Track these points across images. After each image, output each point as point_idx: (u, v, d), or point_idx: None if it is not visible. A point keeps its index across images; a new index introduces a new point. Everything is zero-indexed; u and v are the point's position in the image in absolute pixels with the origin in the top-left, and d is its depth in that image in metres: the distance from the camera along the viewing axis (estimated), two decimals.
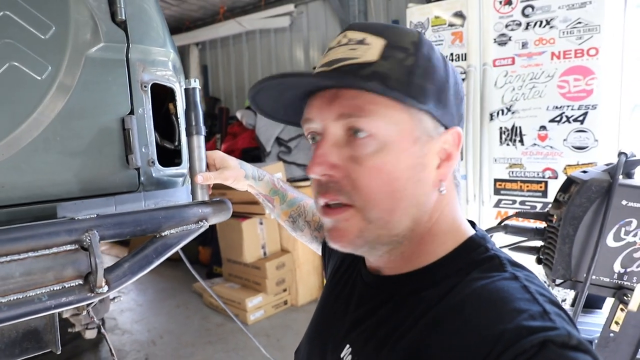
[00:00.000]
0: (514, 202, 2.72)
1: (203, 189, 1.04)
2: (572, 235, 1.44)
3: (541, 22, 2.53)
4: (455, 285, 0.53)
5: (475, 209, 2.81)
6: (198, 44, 5.87)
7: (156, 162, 1.21)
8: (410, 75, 0.53)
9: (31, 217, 1.03)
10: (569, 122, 2.50)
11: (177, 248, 1.10)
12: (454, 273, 0.55)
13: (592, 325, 1.47)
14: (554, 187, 2.54)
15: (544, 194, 2.62)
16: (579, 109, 2.47)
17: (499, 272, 0.53)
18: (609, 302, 1.44)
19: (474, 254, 0.56)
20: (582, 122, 2.47)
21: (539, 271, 1.25)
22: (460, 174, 0.60)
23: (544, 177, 2.62)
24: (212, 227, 1.01)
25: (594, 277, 1.40)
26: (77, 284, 0.95)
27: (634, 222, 1.36)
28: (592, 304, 1.64)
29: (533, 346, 0.42)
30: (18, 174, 1.01)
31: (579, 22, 2.42)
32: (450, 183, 0.59)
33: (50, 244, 0.91)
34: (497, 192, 2.77)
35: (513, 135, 2.68)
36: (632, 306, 1.36)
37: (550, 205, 1.58)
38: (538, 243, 1.59)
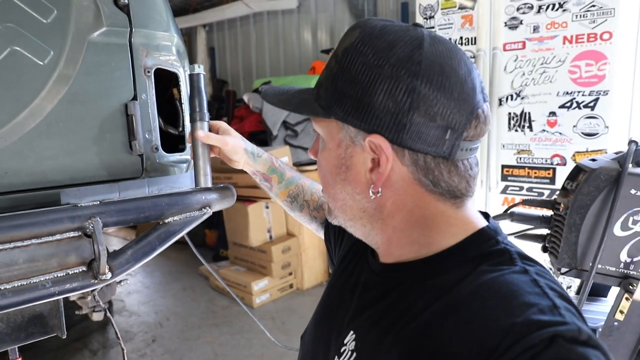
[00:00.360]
0: (521, 188, 2.70)
1: (207, 176, 1.04)
2: (579, 224, 1.43)
3: (554, 5, 2.46)
4: (464, 277, 0.53)
5: (482, 195, 2.79)
6: (205, 26, 5.82)
7: (160, 148, 1.21)
8: (333, 82, 0.57)
9: (34, 204, 1.03)
10: (579, 108, 2.45)
11: (181, 235, 1.10)
12: (462, 264, 0.54)
13: (596, 313, 1.47)
14: (562, 174, 2.51)
15: (552, 180, 2.59)
16: (590, 94, 2.42)
17: (509, 266, 0.52)
18: (614, 290, 1.44)
19: (484, 246, 0.56)
20: (592, 108, 2.42)
21: (545, 259, 1.24)
22: (451, 174, 0.56)
23: (552, 164, 2.59)
24: (219, 211, 1.02)
25: (599, 266, 1.39)
26: (80, 270, 0.95)
27: None
28: (597, 292, 1.63)
29: (542, 340, 0.42)
30: (21, 160, 1.01)
31: (593, 5, 2.35)
32: (409, 184, 0.56)
33: (54, 231, 0.92)
34: (504, 178, 2.74)
35: (522, 121, 2.64)
36: (638, 295, 1.35)
37: (557, 193, 1.56)
38: (544, 231, 1.58)
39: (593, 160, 1.50)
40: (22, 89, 1.00)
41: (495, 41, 2.65)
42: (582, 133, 2.47)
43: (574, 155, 2.50)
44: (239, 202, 3.34)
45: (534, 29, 2.54)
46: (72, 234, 0.94)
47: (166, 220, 1.08)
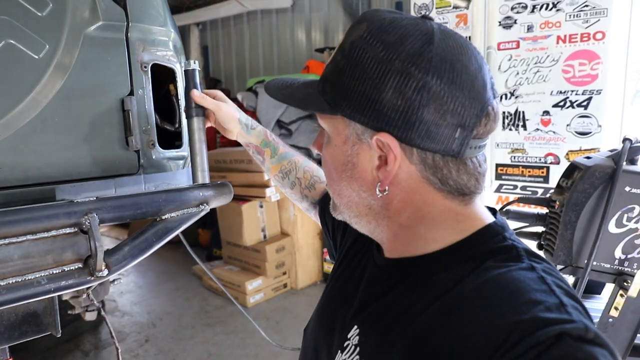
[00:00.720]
0: (515, 187, 2.71)
1: (204, 172, 1.03)
2: (574, 221, 1.44)
3: (547, 5, 2.48)
4: (470, 273, 0.52)
5: None
6: (198, 24, 5.79)
7: (156, 144, 1.20)
8: (340, 77, 0.56)
9: (29, 200, 1.02)
10: (573, 107, 2.47)
11: (178, 231, 1.09)
12: (468, 260, 0.54)
13: (591, 310, 1.47)
14: (555, 173, 2.53)
15: (546, 179, 2.61)
16: (583, 94, 2.44)
17: (516, 262, 0.52)
18: (609, 287, 1.45)
19: (490, 242, 0.55)
20: (586, 107, 2.44)
21: None
22: (458, 172, 0.55)
23: (546, 163, 2.60)
24: (212, 210, 1.02)
25: (594, 263, 1.40)
26: (76, 267, 0.94)
27: (637, 209, 1.36)
28: (592, 289, 1.65)
29: (549, 338, 0.42)
30: (16, 155, 0.99)
31: (586, 5, 2.37)
32: (417, 182, 0.55)
33: (49, 227, 0.90)
34: (498, 177, 2.76)
35: (516, 120, 2.66)
36: (632, 292, 1.37)
37: (552, 191, 1.57)
38: (539, 229, 1.59)
39: (588, 158, 1.51)
40: (17, 83, 0.98)
41: (490, 40, 2.67)
42: (576, 132, 2.49)
43: (567, 154, 2.52)
44: (233, 201, 3.31)
45: (528, 29, 2.56)
46: (68, 230, 0.93)
47: (163, 217, 1.06)
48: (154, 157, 1.20)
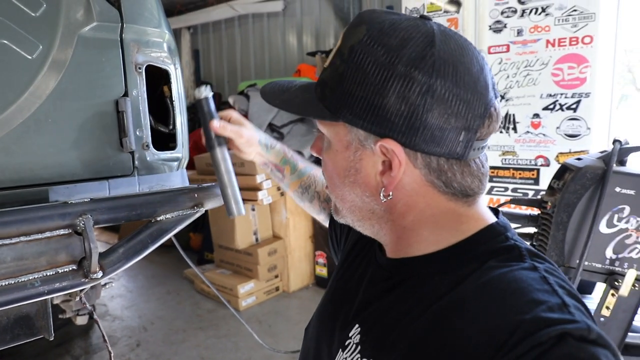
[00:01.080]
0: (506, 189, 2.74)
1: (238, 204, 0.94)
2: (566, 221, 1.46)
3: (537, 9, 2.52)
4: (472, 272, 0.52)
5: None
6: (190, 28, 5.77)
7: (151, 146, 1.19)
8: (340, 83, 0.54)
9: (22, 201, 1.00)
10: (562, 110, 2.51)
11: (173, 233, 1.08)
12: (471, 259, 0.54)
13: None
14: (546, 175, 2.56)
15: (536, 181, 2.64)
16: (572, 97, 2.48)
17: (518, 262, 0.52)
18: (599, 287, 1.47)
19: (493, 242, 0.55)
20: (575, 110, 2.48)
21: None
22: (463, 175, 0.55)
23: (536, 165, 2.63)
24: (204, 213, 1.01)
25: (586, 263, 1.42)
26: (70, 269, 0.93)
27: (627, 209, 1.38)
28: (583, 289, 1.67)
29: (550, 338, 0.41)
30: (8, 156, 0.98)
31: (575, 10, 2.41)
32: (421, 186, 0.55)
33: (43, 228, 0.89)
34: (489, 179, 2.78)
35: (506, 122, 2.69)
36: (623, 291, 1.39)
37: (544, 192, 1.59)
38: (532, 230, 1.61)
39: (579, 159, 1.53)
40: (10, 84, 0.97)
41: (480, 44, 2.70)
42: (565, 134, 2.52)
43: (557, 156, 2.55)
44: None
45: (518, 33, 2.59)
46: (62, 232, 0.92)
47: (158, 219, 1.06)
48: (148, 158, 1.19)
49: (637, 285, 1.38)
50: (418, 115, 0.50)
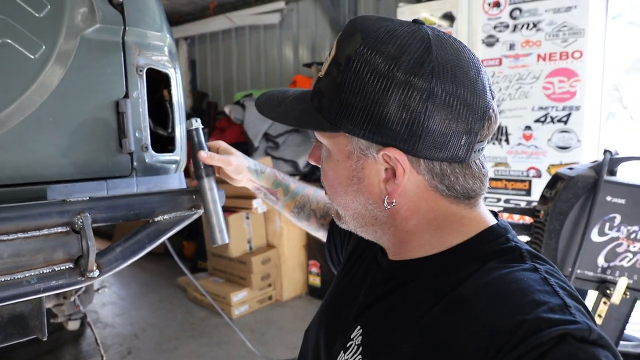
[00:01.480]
0: (499, 200, 2.77)
1: (222, 232, 0.96)
2: (559, 230, 1.48)
3: (528, 24, 2.58)
4: (473, 273, 0.52)
5: None
6: (187, 39, 5.81)
7: (149, 148, 1.20)
8: (338, 93, 0.54)
9: (20, 199, 1.01)
10: (553, 123, 2.56)
11: (170, 234, 1.08)
12: (471, 261, 0.54)
13: None
14: (537, 186, 2.60)
15: (528, 192, 2.67)
16: (563, 109, 2.53)
17: (519, 263, 0.52)
18: (591, 295, 1.48)
19: (493, 243, 0.55)
20: (565, 122, 2.52)
21: None
22: (465, 177, 0.56)
23: (528, 176, 2.67)
24: (198, 221, 1.00)
25: (578, 271, 1.44)
26: (67, 267, 0.93)
27: (618, 218, 1.41)
28: None
29: (551, 339, 0.42)
30: (8, 153, 0.99)
31: (565, 26, 2.48)
32: (424, 191, 0.56)
33: (41, 225, 0.89)
34: None
35: (499, 134, 2.73)
36: (615, 299, 1.40)
37: (536, 202, 1.62)
38: (524, 238, 1.62)
39: (570, 169, 1.56)
40: (12, 82, 0.98)
41: None
42: (556, 146, 2.57)
43: (549, 168, 2.59)
44: None
45: (510, 47, 2.65)
46: (59, 229, 0.92)
47: (156, 219, 1.06)
48: (146, 160, 1.20)
49: (628, 293, 1.40)
50: (420, 123, 0.50)
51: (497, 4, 2.66)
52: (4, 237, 0.85)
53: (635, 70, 3.81)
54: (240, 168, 0.96)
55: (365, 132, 0.53)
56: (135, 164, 1.17)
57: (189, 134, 0.94)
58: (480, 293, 0.50)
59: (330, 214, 0.99)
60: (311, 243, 3.71)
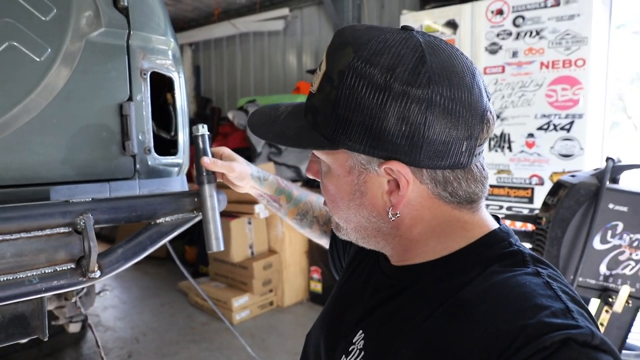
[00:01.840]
0: (501, 207, 2.76)
1: (218, 240, 0.98)
2: (561, 237, 1.47)
3: (531, 32, 2.59)
4: (475, 277, 0.52)
5: None
6: (191, 45, 5.86)
7: (152, 150, 1.21)
8: (333, 109, 0.53)
9: (23, 200, 1.01)
10: (556, 130, 2.55)
11: (172, 236, 1.09)
12: (474, 265, 0.54)
13: None
14: (540, 194, 2.59)
15: (531, 200, 2.67)
16: (566, 117, 2.53)
17: (521, 267, 0.52)
18: (593, 304, 1.47)
19: (496, 247, 0.55)
20: (568, 130, 2.52)
21: None
22: (466, 181, 0.56)
23: (530, 184, 2.67)
24: (199, 226, 1.00)
25: (580, 279, 1.43)
26: (69, 267, 0.93)
27: (620, 226, 1.40)
28: None
29: (554, 343, 0.42)
30: (12, 154, 1.00)
31: (568, 34, 2.48)
32: (427, 200, 0.55)
33: (44, 226, 0.90)
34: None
35: (502, 142, 2.73)
36: (617, 308, 1.39)
37: (539, 209, 1.61)
38: (526, 246, 1.62)
39: (573, 176, 1.56)
40: (18, 84, 0.99)
41: (476, 65, 2.76)
42: (559, 154, 2.56)
43: (551, 176, 2.59)
44: (222, 217, 3.30)
45: (513, 54, 2.66)
46: (62, 230, 0.92)
47: (157, 221, 1.07)
48: (149, 162, 1.21)
49: (630, 301, 1.39)
50: (420, 134, 0.49)
51: (500, 12, 2.67)
52: (7, 237, 0.86)
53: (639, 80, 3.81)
54: (243, 175, 0.96)
55: (365, 147, 0.52)
56: (138, 166, 1.18)
57: (195, 139, 0.94)
58: (482, 297, 0.50)
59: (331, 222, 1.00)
60: (313, 249, 3.71)
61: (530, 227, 1.66)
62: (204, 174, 0.95)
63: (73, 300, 1.36)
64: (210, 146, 0.96)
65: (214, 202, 0.98)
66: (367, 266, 0.71)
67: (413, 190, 0.54)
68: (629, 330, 1.41)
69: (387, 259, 0.65)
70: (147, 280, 4.16)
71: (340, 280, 0.78)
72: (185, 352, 2.90)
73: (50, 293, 0.93)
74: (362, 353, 0.59)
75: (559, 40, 2.51)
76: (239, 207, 3.47)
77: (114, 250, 1.01)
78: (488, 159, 2.75)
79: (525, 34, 2.61)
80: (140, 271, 4.30)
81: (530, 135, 2.63)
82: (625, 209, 1.39)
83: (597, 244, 1.42)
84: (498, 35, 2.70)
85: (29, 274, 0.88)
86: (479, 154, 0.55)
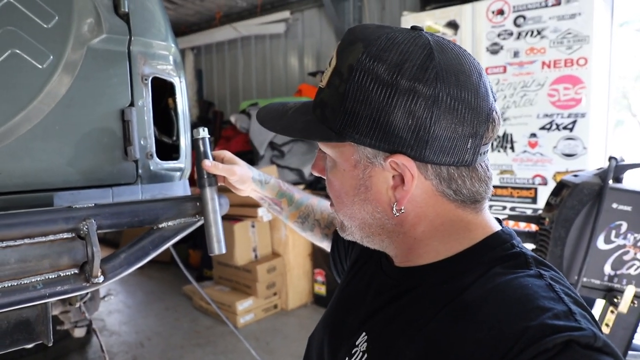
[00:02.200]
0: (504, 207, 2.75)
1: (220, 243, 0.99)
2: (564, 237, 1.47)
3: (532, 32, 2.58)
4: (478, 279, 0.52)
5: None
6: (193, 49, 5.88)
7: (154, 155, 1.21)
8: (342, 103, 0.54)
9: (27, 206, 1.02)
10: (559, 130, 2.55)
11: (174, 241, 1.09)
12: (476, 266, 0.54)
13: None
14: (543, 194, 2.58)
15: (534, 200, 2.66)
16: (568, 117, 2.52)
17: (524, 269, 0.52)
18: (599, 304, 1.47)
19: (499, 249, 0.55)
20: (571, 130, 2.51)
21: None
22: (471, 181, 0.56)
23: (533, 184, 2.66)
24: (203, 230, 1.00)
25: (584, 279, 1.43)
26: (72, 272, 0.94)
27: (624, 225, 1.39)
28: None
29: (556, 345, 0.42)
30: (15, 161, 1.01)
31: (569, 33, 2.48)
32: (431, 196, 0.56)
33: (47, 231, 0.90)
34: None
35: (504, 142, 2.72)
36: (622, 308, 1.38)
37: (542, 209, 1.61)
38: (530, 246, 1.61)
39: (576, 175, 1.56)
40: (20, 91, 1.00)
41: None
42: (562, 154, 2.55)
43: (554, 175, 2.58)
44: (225, 220, 3.31)
45: (515, 54, 2.65)
46: (65, 235, 0.93)
47: (160, 226, 1.07)
48: (151, 167, 1.22)
49: (636, 302, 1.38)
50: (426, 129, 0.50)
51: (501, 12, 2.67)
52: (11, 243, 0.86)
53: None
54: (244, 178, 0.96)
55: (371, 141, 0.53)
56: (140, 171, 1.19)
57: (195, 142, 0.95)
58: (484, 299, 0.50)
59: (334, 223, 0.99)
60: (317, 252, 3.71)
61: (533, 227, 1.65)
62: (205, 177, 0.95)
63: (77, 305, 1.36)
64: (212, 149, 0.96)
65: (215, 205, 0.98)
66: (370, 268, 0.71)
67: (417, 186, 0.54)
68: (634, 331, 1.40)
69: (390, 260, 0.65)
70: (152, 285, 4.17)
71: (343, 282, 0.78)
72: (190, 356, 2.90)
73: (54, 298, 0.93)
74: (365, 355, 0.59)
75: (560, 39, 2.50)
76: (242, 210, 3.48)
77: (117, 256, 1.01)
78: (491, 159, 2.73)
79: (527, 33, 2.60)
80: (145, 275, 4.31)
81: (533, 135, 2.63)
82: (629, 208, 1.38)
83: (601, 243, 1.42)
84: (499, 35, 2.69)
85: (33, 280, 0.89)
86: (484, 153, 0.55)
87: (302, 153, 3.95)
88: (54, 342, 1.13)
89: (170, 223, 1.08)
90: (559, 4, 2.49)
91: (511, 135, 2.69)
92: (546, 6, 2.52)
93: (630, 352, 1.46)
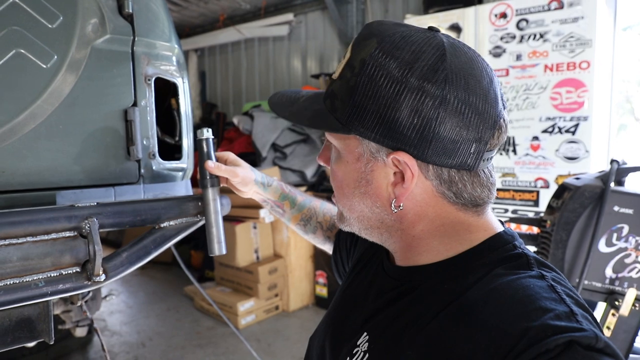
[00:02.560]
0: (506, 210, 2.75)
1: (220, 244, 0.98)
2: (565, 240, 1.46)
3: (535, 35, 2.59)
4: (480, 279, 0.52)
5: None
6: (197, 51, 5.90)
7: (157, 155, 1.22)
8: (351, 96, 0.54)
9: (30, 204, 1.03)
10: (561, 133, 2.54)
11: (176, 240, 1.10)
12: (478, 267, 0.54)
13: None
14: (545, 197, 2.58)
15: (536, 203, 2.65)
16: (570, 120, 2.52)
17: (525, 270, 0.52)
18: (600, 307, 1.46)
19: (501, 250, 0.55)
20: (573, 133, 2.51)
21: None
22: (473, 185, 0.56)
23: (536, 187, 2.65)
24: (204, 231, 1.00)
25: (586, 282, 1.43)
26: (74, 271, 0.94)
27: (626, 228, 1.39)
28: None
29: (558, 346, 0.41)
30: (19, 160, 1.01)
31: (572, 36, 2.48)
32: (431, 197, 0.56)
33: (50, 230, 0.91)
34: None
35: (506, 145, 2.72)
36: (624, 311, 1.38)
37: (544, 212, 1.61)
38: (531, 249, 1.61)
39: (577, 178, 1.56)
40: (25, 91, 1.01)
41: None
42: (564, 157, 2.55)
43: (557, 179, 2.57)
44: (227, 221, 3.33)
45: (517, 57, 2.65)
46: (67, 234, 0.93)
47: (162, 225, 1.08)
48: (154, 167, 1.22)
49: (637, 305, 1.38)
50: (431, 128, 0.51)
51: (504, 15, 2.67)
52: (14, 241, 0.87)
53: None
54: (246, 180, 0.96)
55: (376, 135, 0.53)
56: (142, 171, 1.19)
57: (199, 143, 0.95)
58: (486, 299, 0.50)
59: (336, 226, 0.99)
60: (318, 253, 3.71)
61: (535, 230, 1.65)
62: (208, 177, 0.95)
63: (79, 304, 1.36)
64: (215, 151, 0.97)
65: (216, 205, 0.99)
66: (372, 269, 0.71)
67: (418, 185, 0.55)
68: (636, 334, 1.40)
69: (391, 260, 0.65)
70: (153, 285, 4.17)
71: (344, 283, 0.78)
72: (191, 357, 2.90)
73: (56, 296, 0.94)
74: (367, 355, 0.59)
75: (563, 42, 2.50)
76: (244, 211, 3.48)
77: (119, 254, 1.02)
78: (493, 161, 2.74)
79: (529, 37, 2.61)
80: (147, 276, 4.32)
81: (535, 138, 2.62)
82: (630, 211, 1.38)
83: (602, 246, 1.41)
84: (502, 38, 2.69)
85: (35, 278, 0.90)
86: (488, 159, 0.55)
87: (305, 155, 3.96)
88: (55, 342, 1.13)
89: (172, 223, 1.08)
90: (561, 7, 2.49)
91: (513, 138, 2.69)
92: (549, 10, 2.53)
93: (631, 356, 1.46)
